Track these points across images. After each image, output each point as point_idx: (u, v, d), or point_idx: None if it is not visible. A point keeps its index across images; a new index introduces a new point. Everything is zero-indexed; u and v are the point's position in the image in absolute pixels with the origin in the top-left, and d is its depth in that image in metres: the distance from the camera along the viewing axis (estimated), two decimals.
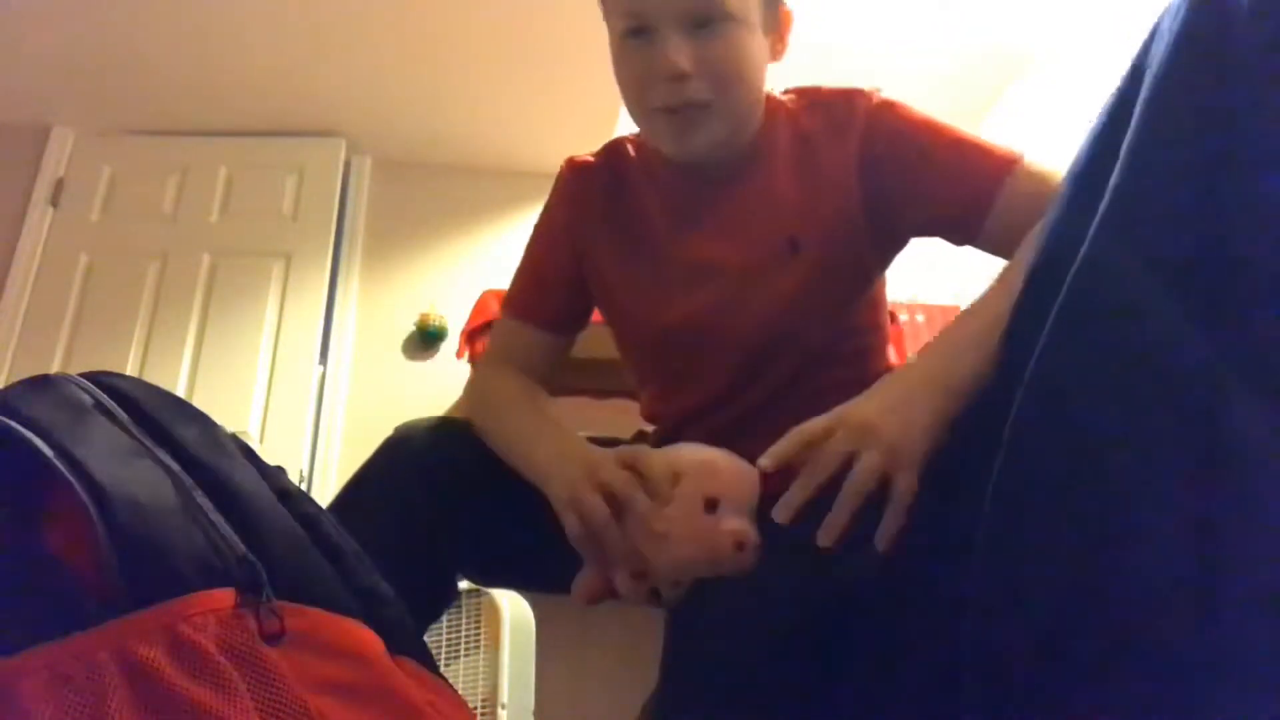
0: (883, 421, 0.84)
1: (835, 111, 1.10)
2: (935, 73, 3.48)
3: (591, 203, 1.21)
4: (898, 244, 1.13)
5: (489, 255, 3.54)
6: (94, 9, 2.87)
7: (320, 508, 0.74)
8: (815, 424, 0.86)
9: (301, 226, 3.36)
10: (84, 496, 0.58)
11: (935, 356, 0.90)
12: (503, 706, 2.23)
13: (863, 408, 0.86)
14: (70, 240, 3.23)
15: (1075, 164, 0.90)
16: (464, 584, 1.52)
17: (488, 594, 2.00)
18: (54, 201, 3.27)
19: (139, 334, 3.13)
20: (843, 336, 1.12)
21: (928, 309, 3.46)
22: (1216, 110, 0.71)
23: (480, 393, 1.20)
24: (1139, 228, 0.73)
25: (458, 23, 2.98)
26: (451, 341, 3.25)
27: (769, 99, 1.14)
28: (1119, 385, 0.73)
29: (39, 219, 3.24)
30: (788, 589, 0.89)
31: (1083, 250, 0.77)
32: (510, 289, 1.27)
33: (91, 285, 3.19)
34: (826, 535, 0.83)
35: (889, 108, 1.10)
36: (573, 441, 1.00)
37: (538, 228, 1.27)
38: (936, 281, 3.57)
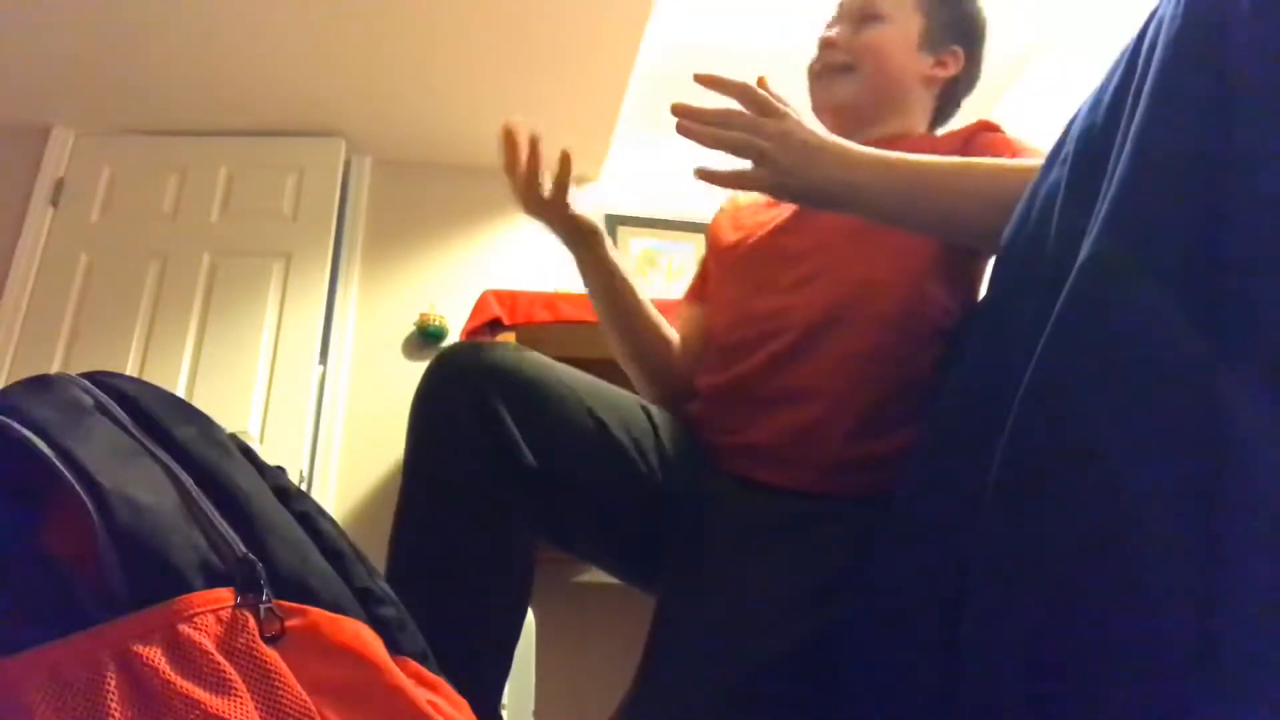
0: (804, 157, 0.97)
1: (959, 131, 1.28)
2: None
3: (733, 214, 1.46)
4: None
5: (489, 255, 3.54)
6: (94, 9, 2.87)
7: (320, 507, 0.74)
8: (764, 105, 0.99)
9: (301, 226, 3.36)
10: (84, 496, 0.58)
11: (869, 171, 1.00)
12: (503, 706, 2.23)
13: (804, 135, 0.98)
14: (70, 240, 3.22)
15: (1063, 152, 0.90)
16: None
17: None
18: (54, 201, 3.27)
19: (139, 334, 3.12)
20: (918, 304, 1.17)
21: None
22: (1217, 108, 0.71)
23: None
24: (1141, 228, 0.73)
25: (458, 23, 2.98)
26: (451, 341, 3.25)
27: (923, 134, 1.34)
28: (1120, 384, 0.73)
29: (39, 219, 3.23)
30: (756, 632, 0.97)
31: (1084, 250, 0.76)
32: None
33: (91, 285, 3.19)
34: (675, 110, 1.02)
35: (997, 130, 1.26)
36: None
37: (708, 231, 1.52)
38: None
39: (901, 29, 1.30)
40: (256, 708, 0.57)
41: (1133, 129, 0.76)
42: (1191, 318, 0.69)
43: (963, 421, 1.02)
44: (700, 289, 1.46)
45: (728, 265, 1.37)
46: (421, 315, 3.32)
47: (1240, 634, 0.64)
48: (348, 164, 3.53)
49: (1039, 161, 0.96)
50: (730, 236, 1.39)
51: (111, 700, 0.53)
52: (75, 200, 3.29)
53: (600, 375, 1.36)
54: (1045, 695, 0.78)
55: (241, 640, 0.58)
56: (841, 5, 1.35)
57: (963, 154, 1.17)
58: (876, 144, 1.22)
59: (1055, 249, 0.86)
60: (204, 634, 0.57)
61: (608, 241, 1.35)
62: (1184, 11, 0.74)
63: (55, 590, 0.58)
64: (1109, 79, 0.86)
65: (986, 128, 1.25)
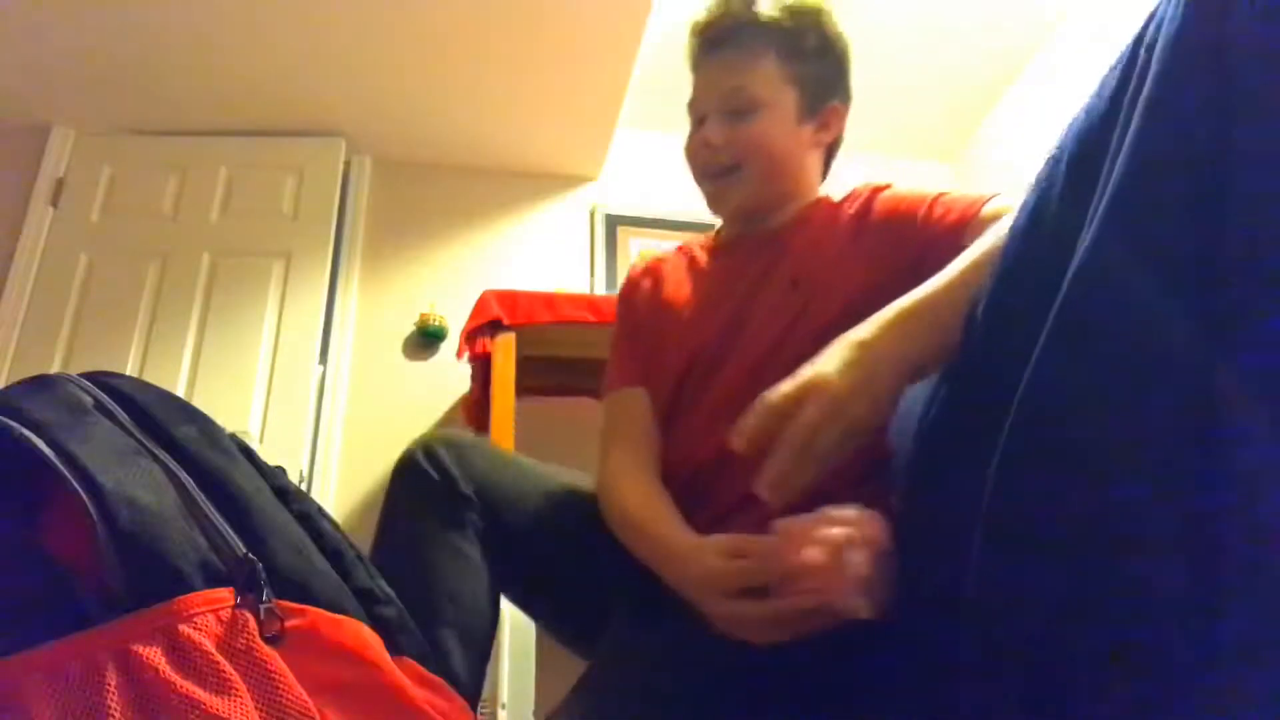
0: (852, 397, 0.86)
1: (854, 194, 1.24)
2: (964, 41, 3.47)
3: (659, 274, 1.36)
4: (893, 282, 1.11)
5: (489, 255, 3.54)
6: (94, 9, 2.87)
7: (320, 507, 0.74)
8: (782, 394, 0.87)
9: (301, 226, 3.35)
10: (84, 496, 0.58)
11: (901, 335, 0.91)
12: (503, 706, 2.23)
13: (830, 379, 0.87)
14: (70, 240, 3.22)
15: (1066, 151, 0.89)
16: None
17: None
18: (54, 201, 3.27)
19: (139, 334, 3.12)
20: None
21: None
22: (1217, 110, 0.70)
23: (610, 494, 1.19)
24: (1140, 228, 0.73)
25: (458, 23, 2.98)
26: (451, 341, 3.24)
27: (821, 198, 1.29)
28: (1119, 387, 0.73)
29: (39, 219, 3.23)
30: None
31: (1081, 252, 0.76)
32: (608, 369, 1.34)
33: (91, 285, 3.19)
34: (767, 486, 0.84)
35: (885, 189, 1.22)
36: (689, 561, 1.00)
37: (618, 311, 1.40)
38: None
39: (778, 111, 1.21)
40: (256, 707, 0.57)
41: (1131, 130, 0.75)
42: (1190, 319, 0.69)
43: (960, 424, 1.02)
44: (634, 369, 1.30)
45: (677, 375, 1.22)
46: (421, 315, 3.32)
47: (1243, 638, 0.64)
48: (348, 164, 3.52)
49: (1005, 209, 0.95)
50: (671, 331, 1.26)
51: (111, 699, 0.53)
52: (75, 200, 3.29)
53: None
54: (1043, 700, 0.78)
55: (241, 640, 0.58)
56: (708, 97, 1.24)
57: (866, 221, 1.19)
58: (779, 230, 1.25)
59: (1052, 250, 0.86)
60: (204, 634, 0.57)
61: None
62: (1183, 12, 0.74)
63: (55, 590, 0.58)
64: (1107, 79, 0.85)
65: (878, 191, 1.22)
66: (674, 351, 1.23)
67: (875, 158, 4.08)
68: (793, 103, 1.22)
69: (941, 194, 1.15)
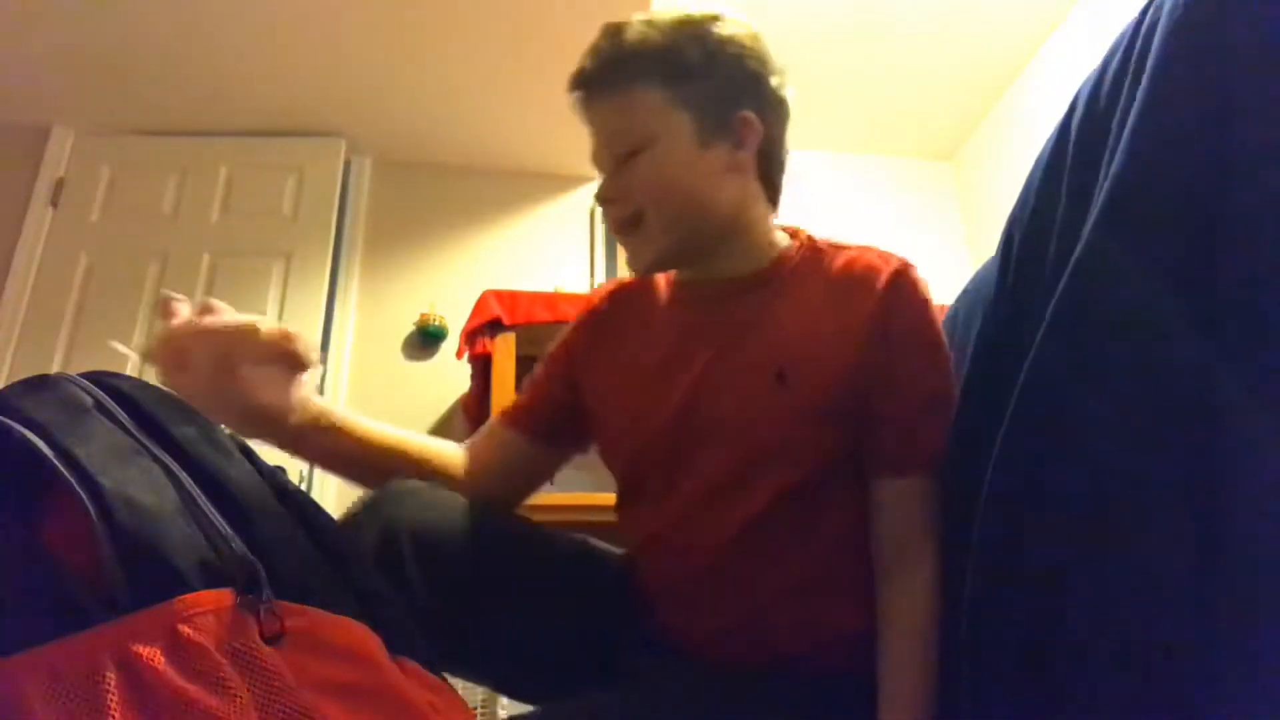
0: None
1: (874, 269, 1.08)
2: (964, 40, 3.47)
3: (607, 319, 1.24)
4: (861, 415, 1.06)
5: (489, 255, 3.54)
6: (94, 9, 2.87)
7: (320, 507, 0.74)
8: None
9: (301, 226, 3.36)
10: (83, 497, 0.58)
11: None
12: (503, 706, 2.23)
13: None
14: (70, 240, 3.23)
15: (1069, 129, 0.89)
16: None
17: None
18: (54, 201, 3.27)
19: (139, 334, 3.12)
20: (816, 475, 1.04)
21: None
22: (1216, 105, 0.70)
23: None
24: (1137, 227, 0.73)
25: (458, 23, 2.98)
26: (451, 341, 3.25)
27: (804, 242, 1.16)
28: (1115, 381, 0.73)
29: (39, 219, 3.24)
30: None
31: (1078, 250, 0.76)
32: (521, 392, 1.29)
33: (91, 285, 3.19)
34: None
35: (914, 291, 1.08)
36: None
37: (571, 329, 1.29)
38: (938, 282, 3.57)
39: (671, 141, 1.06)
40: (256, 708, 0.57)
41: (1129, 123, 0.75)
42: (1187, 314, 0.69)
43: (959, 418, 1.02)
44: (528, 420, 1.24)
45: (633, 454, 1.14)
46: (421, 315, 3.33)
47: (1240, 635, 0.64)
48: (348, 164, 3.53)
49: (932, 610, 0.95)
50: (617, 400, 1.17)
51: (111, 700, 0.53)
52: (75, 200, 3.29)
53: None
54: (1040, 696, 0.77)
55: (241, 641, 0.58)
56: (599, 150, 1.11)
57: (872, 295, 1.05)
58: (748, 286, 1.11)
59: (1054, 243, 0.86)
60: (204, 634, 0.57)
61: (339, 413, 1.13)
62: (1184, 2, 0.74)
63: (54, 590, 0.58)
64: (1107, 62, 0.85)
65: (907, 282, 1.08)
66: (628, 433, 1.14)
67: (875, 158, 4.08)
68: (688, 128, 1.06)
69: (934, 399, 1.05)
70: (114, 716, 0.52)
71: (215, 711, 0.55)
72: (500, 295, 2.82)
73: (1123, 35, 0.84)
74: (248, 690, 0.57)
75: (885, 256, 1.09)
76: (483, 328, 2.79)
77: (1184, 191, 0.71)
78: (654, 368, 1.13)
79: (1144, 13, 0.80)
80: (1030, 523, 0.81)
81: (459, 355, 2.98)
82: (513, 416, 1.25)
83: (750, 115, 1.09)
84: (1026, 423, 0.82)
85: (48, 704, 0.52)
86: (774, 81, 1.12)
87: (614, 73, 1.08)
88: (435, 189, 3.63)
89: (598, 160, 1.12)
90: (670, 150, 1.06)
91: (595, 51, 1.10)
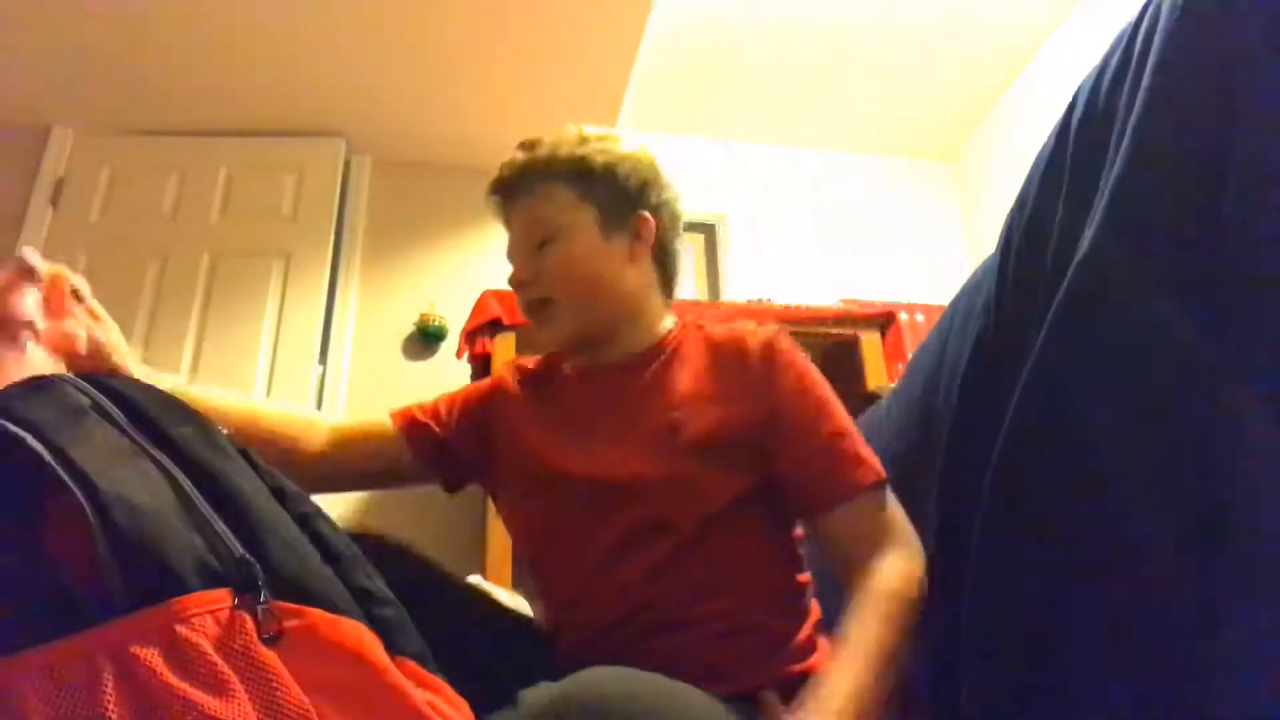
0: None
1: (746, 341, 1.20)
2: (964, 40, 3.46)
3: (521, 391, 1.32)
4: (759, 469, 1.13)
5: (489, 255, 3.54)
6: (95, 9, 2.87)
7: (318, 508, 0.74)
8: None
9: (301, 226, 3.36)
10: (81, 498, 0.58)
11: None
12: None
13: None
14: (70, 240, 3.22)
15: (1069, 127, 0.89)
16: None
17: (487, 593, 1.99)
18: (54, 201, 3.27)
19: (139, 334, 3.12)
20: (718, 523, 1.09)
21: (927, 309, 3.46)
22: (1217, 106, 0.70)
23: None
24: (1139, 227, 0.73)
25: (458, 23, 2.98)
26: (451, 341, 3.25)
27: (690, 324, 1.29)
28: (1116, 381, 0.73)
29: (39, 219, 3.23)
30: None
31: (1081, 250, 0.76)
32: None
33: (91, 285, 3.17)
34: None
35: (787, 353, 1.19)
36: None
37: (474, 388, 1.36)
38: (938, 282, 3.57)
39: (579, 231, 1.22)
40: (254, 708, 0.57)
41: (1130, 123, 0.75)
42: (1189, 314, 0.69)
43: (959, 416, 1.02)
44: (423, 438, 1.28)
45: (543, 520, 1.20)
46: (421, 315, 3.33)
47: (1241, 634, 0.64)
48: (348, 164, 3.53)
49: (907, 594, 0.96)
50: (535, 454, 1.22)
51: (109, 701, 0.53)
52: (75, 200, 3.29)
53: None
54: (1040, 695, 0.77)
55: (239, 641, 0.58)
56: (515, 243, 1.26)
57: (754, 357, 1.16)
58: (627, 357, 1.22)
59: (1054, 242, 0.86)
60: (201, 635, 0.57)
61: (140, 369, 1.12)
62: (1184, 3, 0.74)
63: (52, 591, 0.58)
64: (1107, 60, 0.85)
65: (784, 350, 1.18)
66: (541, 496, 1.19)
67: (875, 158, 4.08)
68: (593, 221, 1.22)
69: (839, 434, 1.12)
70: (111, 717, 0.52)
71: (213, 712, 0.55)
72: (500, 295, 2.82)
73: (1123, 33, 0.83)
74: (245, 691, 0.57)
75: (755, 331, 1.22)
76: (483, 328, 2.79)
77: (1186, 192, 0.71)
78: (565, 434, 1.21)
79: (1144, 11, 0.80)
80: (1031, 522, 0.81)
81: (459, 355, 2.98)
82: (409, 425, 1.29)
83: (646, 215, 1.25)
84: (1029, 422, 0.82)
85: (45, 704, 0.52)
86: (665, 193, 1.29)
87: (531, 175, 1.24)
88: (435, 189, 3.62)
89: (513, 253, 1.26)
90: (578, 238, 1.21)
91: (513, 162, 1.26)
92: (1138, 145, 0.74)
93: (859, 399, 2.52)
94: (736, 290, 3.59)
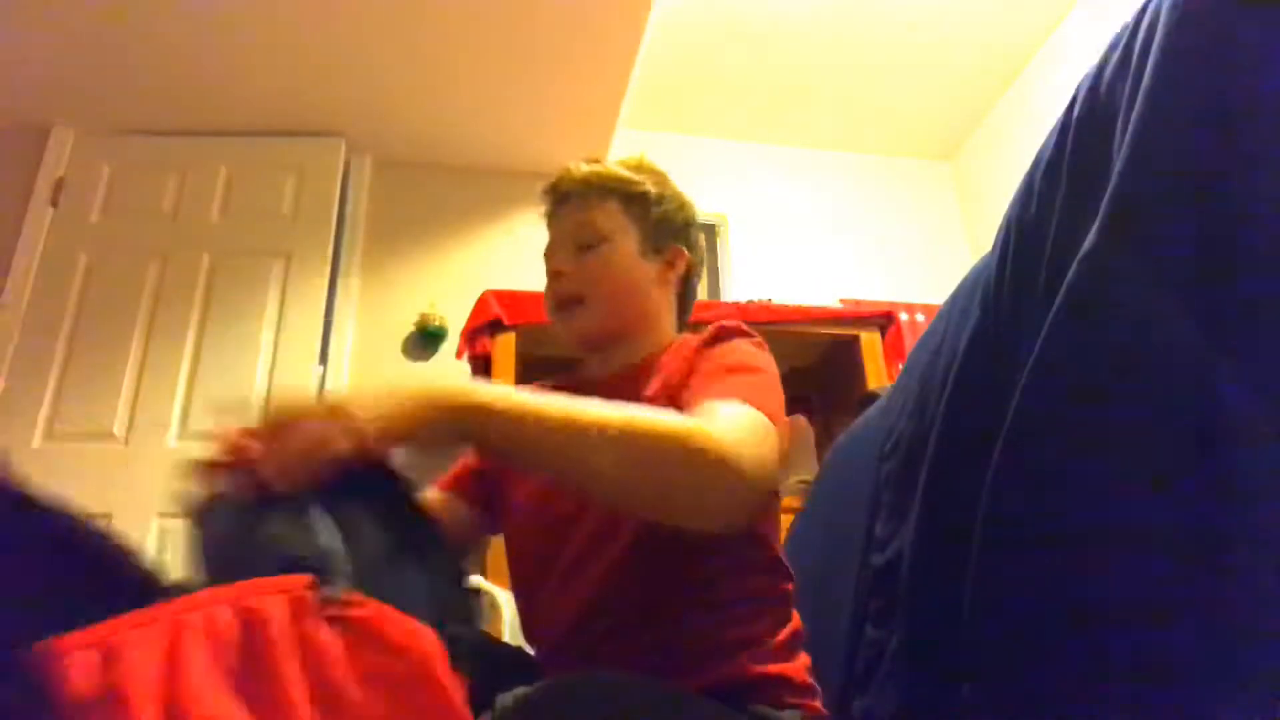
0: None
1: (702, 333, 1.24)
2: (964, 40, 3.48)
3: None
4: None
5: (489, 255, 3.55)
6: (94, 9, 2.87)
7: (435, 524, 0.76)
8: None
9: (301, 226, 3.36)
10: None
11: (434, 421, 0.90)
12: None
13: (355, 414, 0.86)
14: (70, 240, 3.22)
15: (1068, 129, 0.90)
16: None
17: (487, 592, 2.00)
18: (54, 201, 3.26)
19: (139, 334, 3.12)
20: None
21: (927, 309, 3.48)
22: (1218, 107, 0.71)
23: None
24: (1140, 228, 0.74)
25: (457, 23, 2.99)
26: (451, 341, 3.25)
27: (678, 340, 1.30)
28: (1120, 384, 0.73)
29: (39, 219, 3.22)
30: None
31: (1083, 250, 0.77)
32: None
33: (91, 285, 3.18)
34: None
35: (726, 330, 1.21)
36: None
37: None
38: (938, 282, 3.59)
39: (621, 243, 1.30)
40: (305, 680, 0.59)
41: (1131, 122, 0.76)
42: (1191, 314, 0.70)
43: (960, 415, 1.03)
44: (462, 484, 1.34)
45: (537, 541, 1.22)
46: (421, 315, 3.33)
47: (1239, 635, 0.65)
48: (348, 164, 3.53)
49: (678, 426, 0.93)
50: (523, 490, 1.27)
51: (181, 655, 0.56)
52: (75, 200, 3.28)
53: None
54: (1040, 693, 0.78)
55: (302, 618, 0.61)
56: (558, 241, 1.34)
57: (695, 348, 1.19)
58: (628, 368, 1.26)
59: (1053, 241, 0.86)
60: (270, 608, 0.59)
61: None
62: (1184, 1, 0.74)
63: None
64: (1107, 57, 0.85)
65: (726, 329, 1.21)
66: (533, 518, 1.22)
67: (875, 158, 4.10)
68: (635, 239, 1.31)
69: (717, 371, 1.12)
70: (184, 665, 0.55)
71: (267, 674, 0.58)
72: (500, 295, 2.83)
73: (1123, 31, 0.84)
74: (299, 664, 0.60)
75: (716, 322, 1.25)
76: (483, 328, 2.80)
77: (1187, 191, 0.72)
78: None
79: (1144, 8, 0.80)
80: (1032, 523, 0.81)
81: (459, 355, 2.98)
82: (451, 482, 1.35)
83: (681, 248, 1.35)
84: (1029, 423, 0.82)
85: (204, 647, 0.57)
86: (698, 240, 1.40)
87: (590, 186, 1.32)
88: (435, 189, 3.63)
89: (553, 251, 1.34)
90: (619, 249, 1.29)
91: (576, 172, 1.34)
92: (1138, 144, 0.74)
93: (859, 399, 2.54)
94: (737, 290, 3.61)
